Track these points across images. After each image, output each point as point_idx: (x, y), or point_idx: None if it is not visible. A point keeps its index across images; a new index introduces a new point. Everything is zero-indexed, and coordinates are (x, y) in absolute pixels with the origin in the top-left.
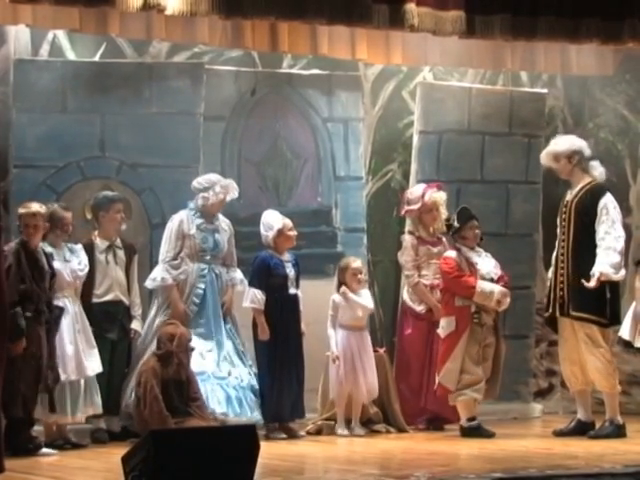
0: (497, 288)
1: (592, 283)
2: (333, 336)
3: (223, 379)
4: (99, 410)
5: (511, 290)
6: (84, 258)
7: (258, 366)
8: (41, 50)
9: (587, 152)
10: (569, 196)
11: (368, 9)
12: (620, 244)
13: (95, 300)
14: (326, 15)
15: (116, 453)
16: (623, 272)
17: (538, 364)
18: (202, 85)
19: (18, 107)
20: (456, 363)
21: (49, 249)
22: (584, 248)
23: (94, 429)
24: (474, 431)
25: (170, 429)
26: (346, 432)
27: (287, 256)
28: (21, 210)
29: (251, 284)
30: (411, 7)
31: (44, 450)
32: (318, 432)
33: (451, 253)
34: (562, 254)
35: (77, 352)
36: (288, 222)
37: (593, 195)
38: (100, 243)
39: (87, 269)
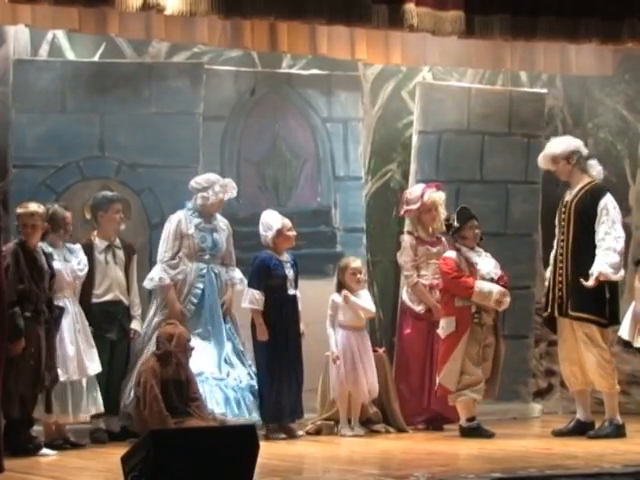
0: (496, 288)
1: (590, 282)
2: (332, 336)
3: (222, 380)
4: (101, 409)
5: (510, 290)
6: (83, 258)
7: (257, 366)
8: (40, 50)
9: (584, 151)
10: (568, 196)
11: (367, 9)
12: (620, 244)
13: (94, 300)
14: (325, 15)
15: (115, 453)
16: (622, 272)
17: (537, 364)
18: (201, 85)
19: (17, 107)
20: (456, 364)
21: (49, 249)
22: (584, 248)
23: (93, 429)
24: (473, 431)
25: (170, 429)
26: (350, 432)
27: (286, 256)
28: (19, 210)
29: (250, 284)
30: (410, 7)
31: (44, 450)
32: (317, 432)
33: (451, 253)
34: (561, 254)
35: (78, 352)
36: (287, 222)
37: (593, 195)
38: (99, 243)
39: (87, 269)
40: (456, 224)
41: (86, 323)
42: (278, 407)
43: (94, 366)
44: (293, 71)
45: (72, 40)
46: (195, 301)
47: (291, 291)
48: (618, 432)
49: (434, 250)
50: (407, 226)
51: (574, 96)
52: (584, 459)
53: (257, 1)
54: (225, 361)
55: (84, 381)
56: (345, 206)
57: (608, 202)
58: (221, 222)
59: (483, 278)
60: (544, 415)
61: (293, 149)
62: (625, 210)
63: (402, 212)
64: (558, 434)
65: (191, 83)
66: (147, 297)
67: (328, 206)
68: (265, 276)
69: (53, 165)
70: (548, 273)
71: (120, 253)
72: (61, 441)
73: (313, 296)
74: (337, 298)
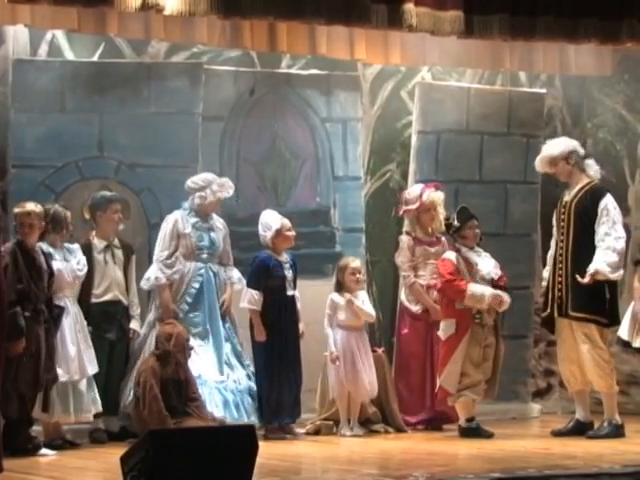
0: (488, 291)
1: (586, 279)
2: (331, 335)
3: (221, 382)
4: (100, 409)
5: (510, 290)
6: (82, 258)
7: (256, 367)
8: (40, 50)
9: (581, 151)
10: (567, 197)
11: (367, 9)
12: (620, 245)
13: (94, 300)
14: (325, 15)
15: (115, 453)
16: (621, 272)
17: (537, 364)
18: (201, 85)
19: (17, 107)
20: (456, 366)
21: (48, 249)
22: (583, 249)
23: (93, 429)
24: (473, 431)
25: (169, 429)
26: (349, 432)
27: (285, 257)
28: (16, 209)
29: (249, 285)
30: (410, 7)
31: (43, 450)
32: (317, 432)
33: (450, 255)
34: (561, 255)
35: (79, 352)
36: (286, 222)
37: (593, 196)
38: (98, 243)
39: (86, 269)
40: (456, 224)
41: (84, 323)
42: (277, 407)
43: (92, 366)
44: (292, 71)
45: (71, 40)
46: (190, 300)
47: (290, 292)
48: (617, 432)
49: (432, 250)
50: (405, 226)
51: (573, 96)
52: (583, 459)
53: (256, 1)
54: (225, 363)
55: (84, 381)
56: (344, 206)
57: (608, 202)
58: (217, 221)
59: (483, 278)
60: (543, 415)
61: (292, 149)
62: (624, 210)
63: (401, 212)
64: (557, 434)
65: (190, 83)
66: (147, 297)
67: (327, 206)
68: (264, 276)
69: (52, 165)
70: (546, 273)
71: (119, 253)
72: (60, 441)
73: (312, 296)
74: (336, 298)
